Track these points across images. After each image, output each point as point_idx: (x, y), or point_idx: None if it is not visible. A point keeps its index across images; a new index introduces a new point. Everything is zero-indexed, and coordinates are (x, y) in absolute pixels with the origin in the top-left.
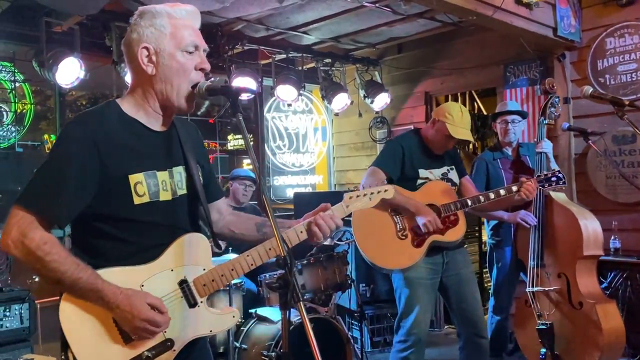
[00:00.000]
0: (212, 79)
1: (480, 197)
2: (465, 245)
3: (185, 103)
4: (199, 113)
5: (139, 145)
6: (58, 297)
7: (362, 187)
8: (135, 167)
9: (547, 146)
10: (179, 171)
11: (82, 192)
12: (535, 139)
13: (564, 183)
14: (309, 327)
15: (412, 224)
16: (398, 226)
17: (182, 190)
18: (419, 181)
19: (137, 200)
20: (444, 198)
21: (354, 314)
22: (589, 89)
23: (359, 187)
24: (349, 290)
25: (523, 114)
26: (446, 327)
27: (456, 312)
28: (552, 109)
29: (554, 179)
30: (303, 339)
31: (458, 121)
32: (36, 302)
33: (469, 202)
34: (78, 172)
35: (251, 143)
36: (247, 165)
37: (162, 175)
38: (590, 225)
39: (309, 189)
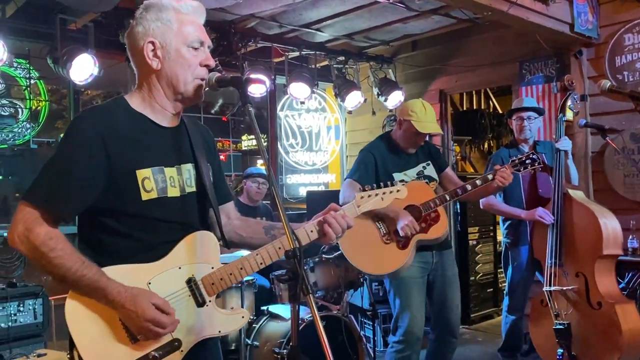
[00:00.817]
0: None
1: (458, 190)
2: (480, 246)
3: (192, 90)
4: (212, 111)
5: (147, 140)
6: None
7: (341, 201)
8: (143, 163)
9: (566, 144)
10: (188, 169)
11: (89, 188)
12: (554, 137)
13: (539, 164)
14: (318, 319)
15: (394, 227)
16: (382, 231)
17: (191, 188)
18: None
19: (144, 196)
20: (422, 197)
21: (367, 313)
22: (607, 83)
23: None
24: (361, 288)
25: (540, 111)
26: None
27: (435, 311)
28: (571, 105)
29: (528, 161)
30: (316, 337)
31: (422, 116)
32: (50, 298)
33: (447, 197)
34: (84, 167)
35: (264, 144)
36: (261, 165)
37: (170, 172)
38: (610, 224)
39: (321, 188)
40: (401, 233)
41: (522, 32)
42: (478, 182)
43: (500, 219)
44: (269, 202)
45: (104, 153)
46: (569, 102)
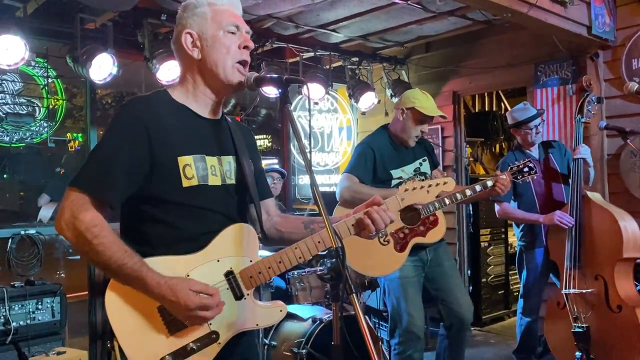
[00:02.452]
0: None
1: (457, 194)
2: (491, 248)
3: (233, 77)
4: (225, 111)
5: (189, 129)
6: (84, 293)
7: (338, 195)
8: (185, 150)
9: (585, 151)
10: (229, 161)
11: (133, 173)
12: (573, 144)
13: (535, 172)
14: (362, 317)
15: (393, 228)
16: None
17: (231, 180)
18: (393, 182)
19: (185, 183)
20: (422, 198)
21: (382, 314)
22: (634, 86)
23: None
24: (377, 290)
25: (541, 112)
26: None
27: (442, 305)
28: (589, 107)
29: (525, 169)
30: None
31: (426, 102)
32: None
33: (447, 201)
34: (129, 153)
35: (269, 144)
36: (265, 166)
37: (211, 161)
38: (629, 226)
39: (333, 189)
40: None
41: (538, 34)
42: (477, 187)
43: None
44: (281, 201)
45: (147, 140)
46: (587, 103)
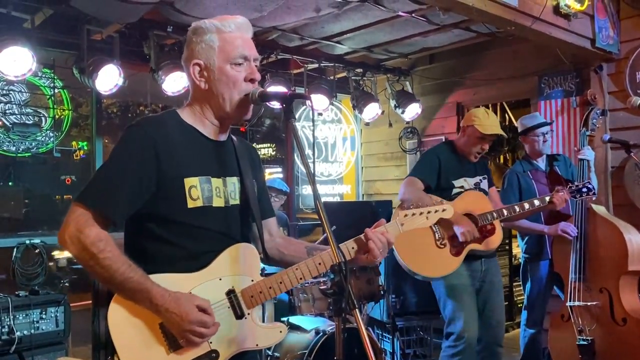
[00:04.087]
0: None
1: (516, 207)
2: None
3: (238, 111)
4: None
5: (196, 151)
6: (88, 302)
7: (400, 197)
8: (191, 171)
9: (589, 154)
10: (233, 182)
11: (139, 192)
12: (576, 148)
13: (594, 194)
14: (364, 332)
15: (450, 232)
16: (437, 235)
17: (235, 201)
18: (455, 190)
19: (190, 204)
20: (480, 207)
21: (385, 326)
22: (637, 100)
23: (396, 198)
24: (380, 302)
25: (548, 122)
26: None
27: (482, 318)
28: (594, 120)
29: (584, 190)
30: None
31: (485, 120)
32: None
33: (505, 212)
34: (136, 172)
35: (273, 153)
36: (269, 175)
37: (216, 182)
38: (634, 239)
39: (336, 199)
40: (461, 238)
41: (541, 46)
42: (536, 202)
43: (519, 233)
44: (285, 211)
45: (155, 160)
46: (591, 117)
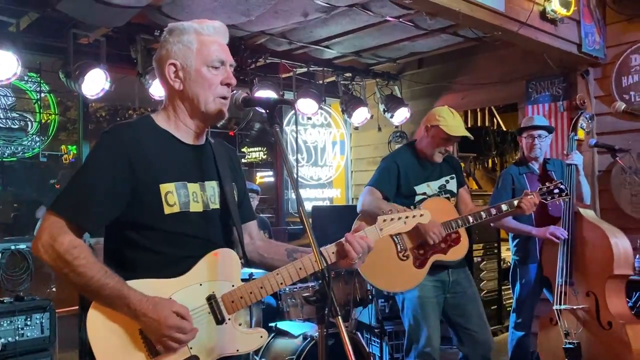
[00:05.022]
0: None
1: (482, 213)
2: (484, 262)
3: (213, 110)
4: (219, 125)
5: (171, 156)
6: (75, 307)
7: (359, 207)
8: (167, 177)
9: (577, 158)
10: (212, 186)
11: (113, 200)
12: (565, 152)
13: (567, 195)
14: (347, 340)
15: (413, 244)
16: (399, 247)
17: (215, 205)
18: (417, 197)
19: (167, 210)
20: (444, 215)
21: (374, 330)
22: (621, 105)
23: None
24: (369, 306)
25: (549, 129)
26: None
27: (463, 332)
28: (583, 124)
29: (556, 191)
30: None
31: (451, 121)
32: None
33: (471, 219)
34: (110, 180)
35: (266, 158)
36: (261, 178)
37: (193, 187)
38: (621, 243)
39: (326, 203)
40: (430, 241)
41: (529, 51)
42: (504, 207)
43: (509, 235)
44: (268, 215)
45: (129, 167)
46: (580, 121)
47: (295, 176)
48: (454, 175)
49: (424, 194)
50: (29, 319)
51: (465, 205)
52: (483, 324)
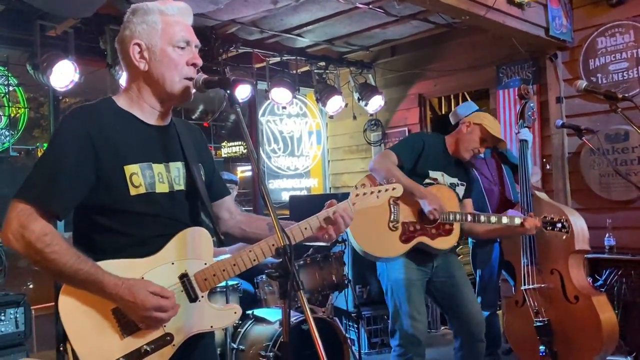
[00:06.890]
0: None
1: (482, 216)
2: (460, 247)
3: (179, 90)
4: (193, 117)
5: (134, 137)
6: (52, 304)
7: (370, 166)
8: (131, 158)
9: (527, 134)
10: (177, 167)
11: (79, 183)
12: (516, 131)
13: (566, 231)
14: (309, 313)
15: (406, 219)
16: (392, 216)
17: (180, 186)
18: (427, 180)
19: (133, 191)
20: (447, 204)
21: (351, 315)
22: (582, 83)
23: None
24: (345, 291)
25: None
26: (443, 328)
27: (453, 315)
28: (529, 112)
29: (559, 225)
30: (300, 340)
31: (493, 125)
32: (32, 308)
33: (469, 218)
34: (74, 163)
35: (244, 150)
36: (241, 172)
37: (158, 168)
38: (578, 221)
39: (304, 192)
40: (430, 216)
41: (499, 37)
42: (504, 219)
43: None
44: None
45: (93, 149)
46: (526, 110)
47: (256, 155)
48: (465, 184)
49: (435, 179)
50: (2, 314)
51: None
52: (473, 304)
